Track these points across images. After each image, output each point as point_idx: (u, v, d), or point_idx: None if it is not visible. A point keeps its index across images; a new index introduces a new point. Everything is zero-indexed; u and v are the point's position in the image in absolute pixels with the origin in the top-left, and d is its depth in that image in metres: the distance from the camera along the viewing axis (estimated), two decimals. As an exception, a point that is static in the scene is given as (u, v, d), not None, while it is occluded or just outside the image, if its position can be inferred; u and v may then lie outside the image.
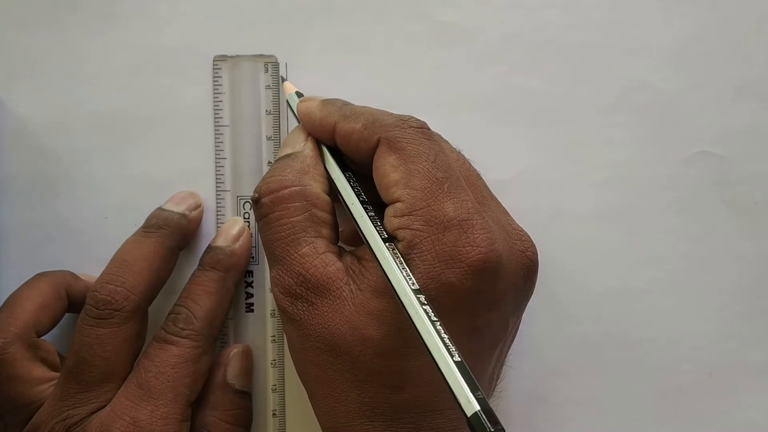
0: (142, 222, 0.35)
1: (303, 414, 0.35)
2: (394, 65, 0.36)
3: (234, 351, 0.35)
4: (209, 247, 0.34)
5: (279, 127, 0.36)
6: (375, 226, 0.29)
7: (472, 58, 0.37)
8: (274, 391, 0.36)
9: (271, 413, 0.36)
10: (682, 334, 0.37)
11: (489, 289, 0.28)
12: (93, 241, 0.36)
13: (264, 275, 0.36)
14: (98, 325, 0.32)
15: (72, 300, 0.34)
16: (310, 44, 0.36)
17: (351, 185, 0.31)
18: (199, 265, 0.34)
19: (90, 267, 0.35)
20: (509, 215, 0.32)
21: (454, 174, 0.29)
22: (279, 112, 0.36)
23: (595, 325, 0.37)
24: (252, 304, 0.36)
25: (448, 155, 0.30)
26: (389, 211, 0.29)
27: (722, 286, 0.37)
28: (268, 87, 0.36)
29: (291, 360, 0.35)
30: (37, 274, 0.34)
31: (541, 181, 0.36)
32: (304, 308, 0.29)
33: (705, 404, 0.37)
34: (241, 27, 0.36)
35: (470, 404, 0.24)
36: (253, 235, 0.36)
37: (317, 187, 0.31)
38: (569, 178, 0.37)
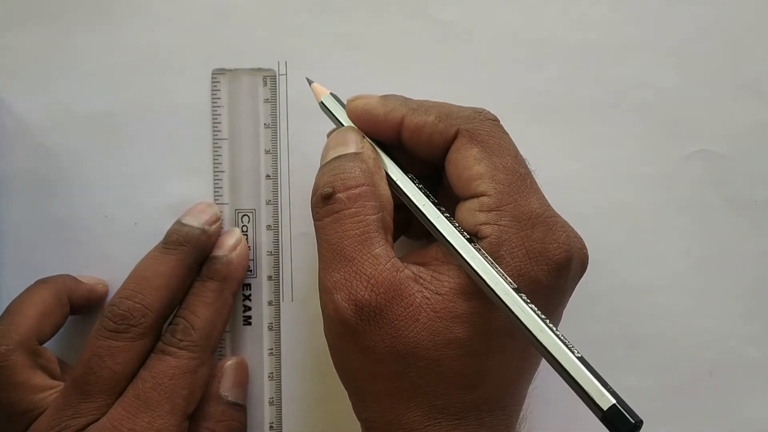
0: (141, 220, 0.37)
1: (300, 427, 0.37)
2: (394, 64, 0.38)
3: (228, 363, 0.36)
4: (206, 258, 0.35)
5: (277, 140, 0.37)
6: (456, 228, 0.29)
7: (472, 56, 0.38)
8: (271, 404, 0.37)
9: (268, 426, 0.37)
10: (682, 332, 0.38)
11: (563, 286, 0.30)
12: (93, 239, 0.37)
13: (261, 288, 0.37)
14: (113, 337, 0.33)
15: (74, 304, 0.36)
16: (310, 42, 0.38)
17: (417, 186, 0.31)
18: (197, 276, 0.35)
19: (90, 265, 0.37)
20: None
21: (529, 170, 0.31)
22: (277, 125, 0.37)
23: (596, 323, 0.38)
24: (249, 317, 0.37)
25: (519, 151, 0.31)
26: (472, 205, 0.29)
27: (722, 285, 0.38)
28: (266, 101, 0.37)
29: (288, 373, 0.37)
30: (37, 281, 0.35)
31: (541, 179, 0.37)
32: (371, 317, 0.29)
33: (705, 402, 0.38)
34: (241, 26, 0.38)
35: (605, 398, 0.24)
36: (251, 248, 0.37)
37: (387, 190, 0.31)
38: (569, 176, 0.38)
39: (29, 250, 0.38)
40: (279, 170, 0.38)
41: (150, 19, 0.38)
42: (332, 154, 0.32)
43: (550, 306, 0.30)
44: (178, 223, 0.36)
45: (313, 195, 0.31)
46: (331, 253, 0.30)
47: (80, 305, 0.36)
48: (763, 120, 0.38)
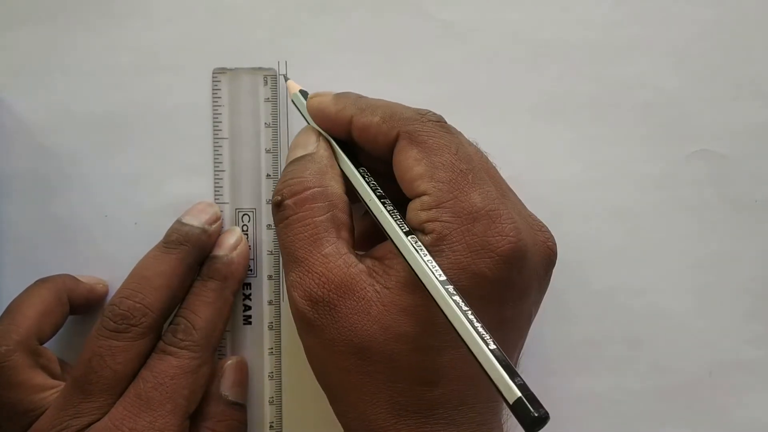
0: (141, 220, 0.37)
1: (300, 426, 0.37)
2: (394, 63, 0.38)
3: (228, 362, 0.36)
4: (207, 257, 0.36)
5: (278, 140, 0.38)
6: (395, 220, 0.30)
7: (472, 56, 0.38)
8: (271, 403, 0.37)
9: (268, 425, 0.37)
10: (682, 333, 0.38)
11: (517, 279, 0.30)
12: (93, 239, 0.38)
13: (262, 288, 0.38)
14: (113, 337, 0.33)
15: (74, 304, 0.36)
16: (310, 42, 0.38)
17: (366, 181, 0.32)
18: (197, 275, 0.35)
19: (90, 265, 0.37)
20: (526, 207, 0.33)
21: (476, 165, 0.31)
22: (278, 125, 0.38)
23: (596, 324, 0.38)
24: (250, 317, 0.37)
25: (467, 147, 0.32)
26: (415, 205, 0.30)
27: (722, 285, 0.38)
28: (267, 100, 0.38)
29: (288, 372, 0.37)
30: (37, 280, 0.36)
31: (542, 179, 0.38)
32: (326, 312, 0.30)
33: (705, 402, 0.38)
34: (241, 25, 0.38)
35: (511, 391, 0.25)
36: (252, 248, 0.37)
37: (338, 188, 0.32)
38: (569, 176, 0.38)
39: (29, 250, 0.38)
40: (280, 169, 0.38)
41: (150, 19, 0.38)
42: (290, 157, 0.34)
43: (504, 299, 0.30)
44: (178, 222, 0.36)
45: (271, 203, 0.33)
46: (286, 256, 0.32)
47: (80, 305, 0.36)
48: (763, 120, 0.38)
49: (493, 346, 0.26)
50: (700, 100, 0.38)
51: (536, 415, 0.24)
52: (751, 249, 0.38)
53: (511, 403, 0.25)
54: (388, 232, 0.30)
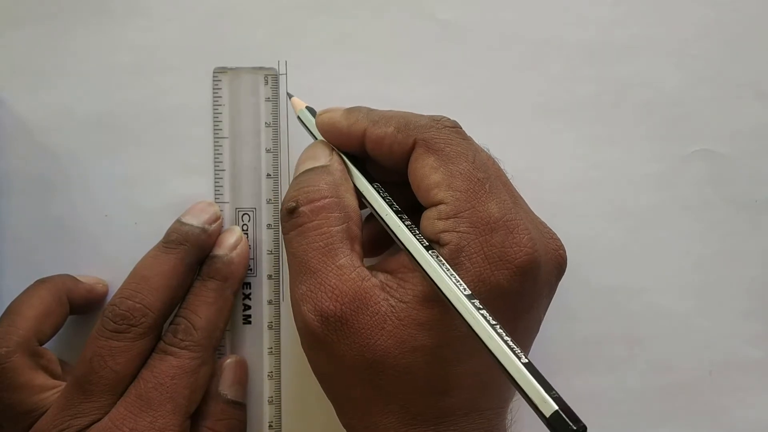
0: (141, 220, 0.37)
1: (299, 426, 0.37)
2: (394, 64, 0.38)
3: (227, 361, 0.36)
4: (207, 257, 0.36)
5: (278, 139, 0.38)
6: (415, 236, 0.30)
7: (472, 56, 0.38)
8: (270, 403, 0.37)
9: (267, 425, 0.37)
10: (682, 332, 0.38)
11: (531, 290, 0.30)
12: (93, 239, 0.38)
13: (261, 287, 0.38)
14: (113, 338, 0.33)
15: (73, 304, 0.36)
16: (310, 42, 0.38)
17: (381, 195, 0.32)
18: (197, 275, 0.36)
19: (91, 265, 0.37)
20: (535, 214, 0.33)
21: (491, 174, 0.31)
22: (278, 124, 0.38)
23: (596, 323, 0.38)
24: (249, 316, 0.38)
25: (482, 154, 0.32)
26: (431, 214, 0.30)
27: (722, 284, 0.38)
28: (267, 99, 0.38)
29: (288, 372, 0.37)
30: (36, 281, 0.36)
31: (541, 179, 0.38)
32: (337, 328, 0.29)
33: (705, 402, 0.38)
34: (241, 25, 0.38)
35: (547, 404, 0.25)
36: (252, 247, 0.37)
37: (352, 201, 0.32)
38: (569, 176, 0.38)
39: (29, 250, 0.38)
40: (279, 169, 0.38)
41: (150, 19, 0.38)
42: (301, 169, 0.33)
43: (518, 310, 0.30)
44: (178, 222, 0.36)
45: (281, 210, 0.32)
46: (297, 265, 0.31)
47: (80, 305, 0.36)
48: (763, 120, 0.38)
49: (525, 360, 0.26)
50: (700, 100, 0.38)
51: (575, 428, 0.24)
52: (751, 249, 0.38)
53: (547, 416, 0.25)
54: (408, 248, 0.30)
